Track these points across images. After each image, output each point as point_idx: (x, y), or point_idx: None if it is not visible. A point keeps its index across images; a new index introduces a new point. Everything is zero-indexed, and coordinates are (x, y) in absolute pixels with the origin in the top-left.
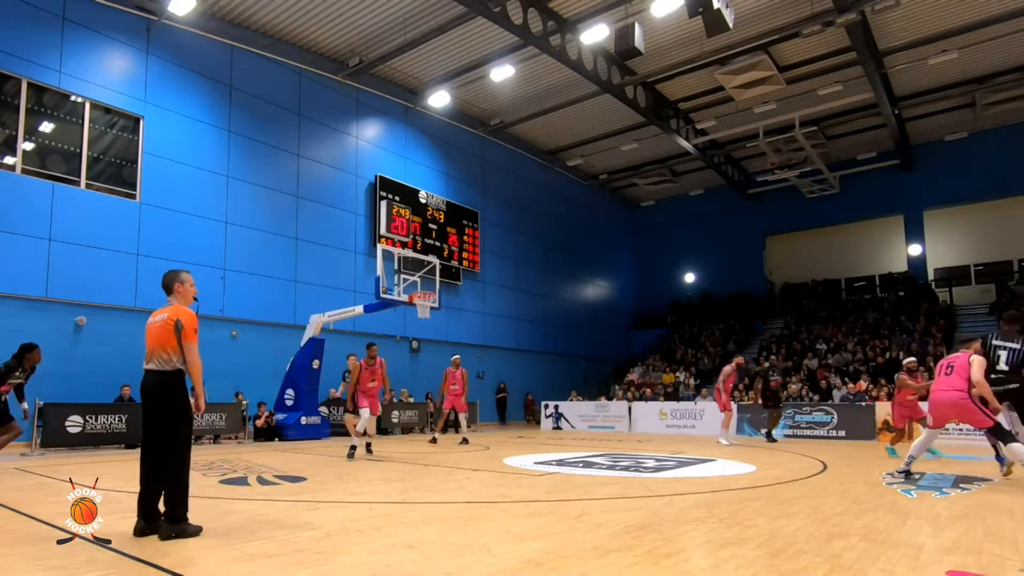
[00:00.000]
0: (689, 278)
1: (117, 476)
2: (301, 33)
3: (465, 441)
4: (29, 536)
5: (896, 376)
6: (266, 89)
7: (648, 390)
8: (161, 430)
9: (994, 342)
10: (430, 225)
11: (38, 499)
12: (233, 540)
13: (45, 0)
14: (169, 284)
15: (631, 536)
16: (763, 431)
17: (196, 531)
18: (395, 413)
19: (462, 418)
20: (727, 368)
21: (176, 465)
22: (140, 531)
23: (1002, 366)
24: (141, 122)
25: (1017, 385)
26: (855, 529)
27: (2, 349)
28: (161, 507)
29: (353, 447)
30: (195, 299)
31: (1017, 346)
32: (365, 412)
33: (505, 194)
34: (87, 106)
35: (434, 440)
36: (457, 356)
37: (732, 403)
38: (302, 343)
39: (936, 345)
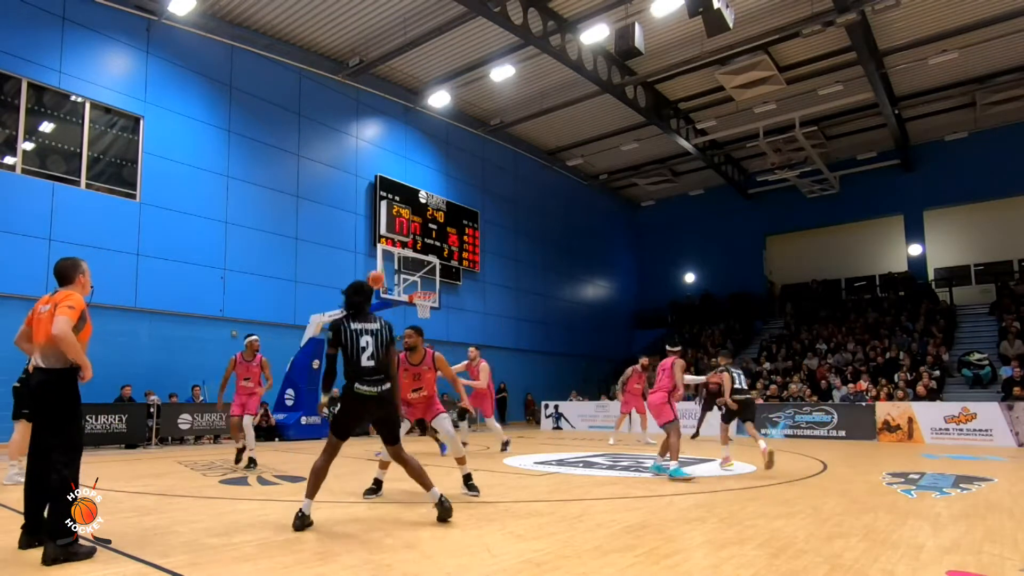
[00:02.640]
0: (689, 278)
1: (117, 476)
2: (301, 33)
3: (252, 463)
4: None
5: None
6: (266, 89)
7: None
8: (48, 436)
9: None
10: (430, 225)
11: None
12: (233, 540)
13: (45, 0)
14: (68, 273)
15: (631, 536)
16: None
17: (89, 552)
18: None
19: (247, 423)
20: (628, 370)
21: (64, 478)
22: (25, 544)
23: (740, 384)
24: (141, 122)
25: (750, 396)
26: (855, 529)
27: (2, 349)
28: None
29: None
30: (91, 290)
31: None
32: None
33: (505, 194)
34: (87, 106)
35: (238, 460)
36: (254, 336)
37: (631, 404)
38: (302, 343)
39: (936, 345)
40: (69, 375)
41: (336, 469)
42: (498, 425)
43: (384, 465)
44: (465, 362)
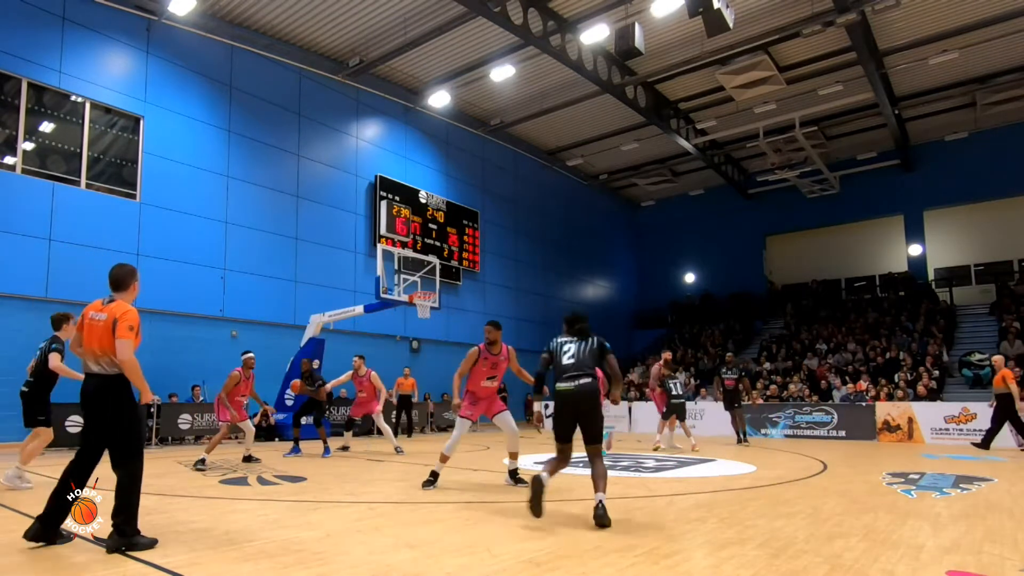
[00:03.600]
0: (689, 278)
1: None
2: (301, 33)
3: (253, 459)
4: None
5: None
6: (266, 89)
7: (648, 390)
8: (110, 441)
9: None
10: (430, 225)
11: (38, 499)
12: (233, 540)
13: (45, 0)
14: (125, 280)
15: (631, 536)
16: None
17: (151, 543)
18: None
19: (249, 423)
20: (656, 366)
21: (133, 480)
22: (34, 535)
23: (677, 391)
24: (141, 122)
25: (682, 401)
26: (855, 529)
27: (2, 349)
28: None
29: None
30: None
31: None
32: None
33: (505, 194)
34: (87, 106)
35: (201, 465)
36: (251, 354)
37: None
38: (302, 343)
39: (937, 345)
40: (126, 379)
41: (336, 468)
42: (388, 427)
43: (444, 459)
44: (348, 373)
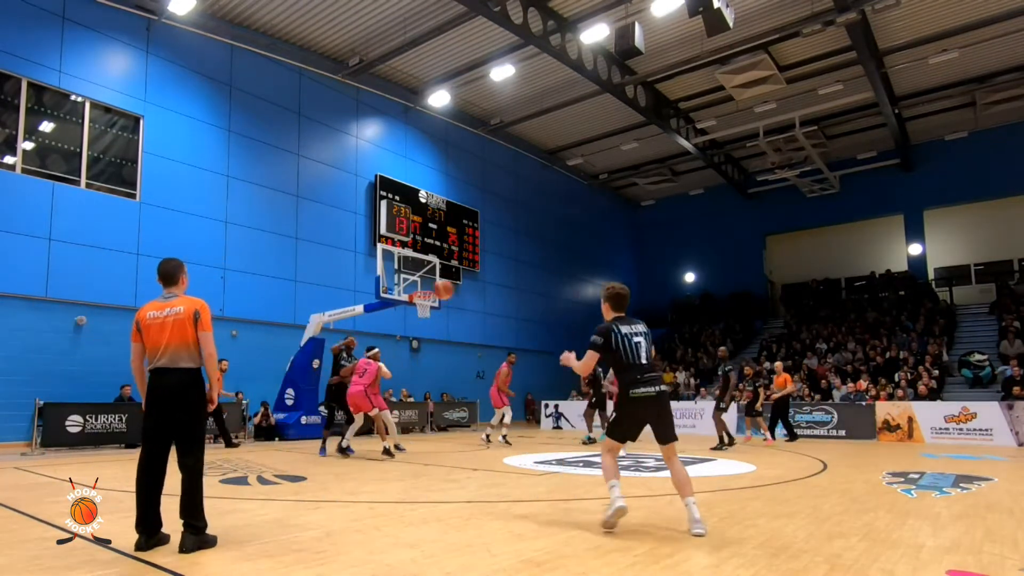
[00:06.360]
0: (689, 278)
1: (117, 476)
2: (301, 33)
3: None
4: (29, 536)
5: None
6: (266, 89)
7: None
8: (185, 435)
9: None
10: (430, 225)
11: (38, 499)
12: (233, 540)
13: (45, 0)
14: (175, 273)
15: (631, 536)
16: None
17: (214, 541)
18: (395, 412)
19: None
20: (503, 367)
21: (199, 473)
22: (142, 546)
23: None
24: (141, 122)
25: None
26: (855, 529)
27: (2, 349)
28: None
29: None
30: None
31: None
32: None
33: (505, 194)
34: (87, 106)
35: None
36: (376, 349)
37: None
38: (302, 342)
39: (936, 344)
40: (200, 375)
41: (335, 468)
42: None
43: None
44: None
